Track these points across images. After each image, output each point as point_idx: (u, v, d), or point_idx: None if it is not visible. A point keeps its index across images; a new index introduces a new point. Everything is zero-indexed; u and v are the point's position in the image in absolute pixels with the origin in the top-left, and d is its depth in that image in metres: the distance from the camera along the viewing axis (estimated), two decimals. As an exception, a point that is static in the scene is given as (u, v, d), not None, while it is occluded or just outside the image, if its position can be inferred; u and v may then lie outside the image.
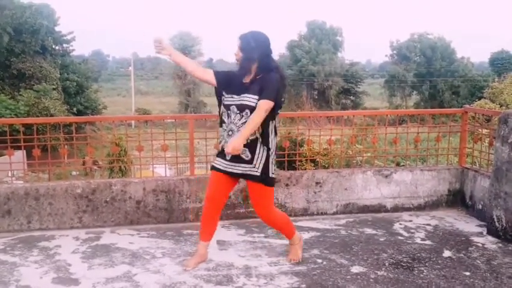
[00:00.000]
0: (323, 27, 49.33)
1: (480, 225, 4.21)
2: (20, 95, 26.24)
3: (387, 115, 6.23)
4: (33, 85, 27.21)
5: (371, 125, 5.99)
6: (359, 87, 50.49)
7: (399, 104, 47.81)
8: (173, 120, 4.76)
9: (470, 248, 3.68)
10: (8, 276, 3.16)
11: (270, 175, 3.12)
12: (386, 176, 4.60)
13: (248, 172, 3.10)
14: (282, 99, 3.13)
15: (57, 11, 34.87)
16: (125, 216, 4.16)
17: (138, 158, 4.47)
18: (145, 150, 4.51)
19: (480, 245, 3.76)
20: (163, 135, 4.30)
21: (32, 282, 3.07)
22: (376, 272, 3.22)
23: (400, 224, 4.28)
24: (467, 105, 5.15)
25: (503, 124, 3.84)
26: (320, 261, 3.40)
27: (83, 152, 5.73)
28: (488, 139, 4.54)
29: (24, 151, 4.34)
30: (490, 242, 3.81)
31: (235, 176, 3.19)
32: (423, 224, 4.26)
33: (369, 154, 6.08)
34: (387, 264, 3.36)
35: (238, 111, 3.06)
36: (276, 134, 3.15)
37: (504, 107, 22.77)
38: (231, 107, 3.09)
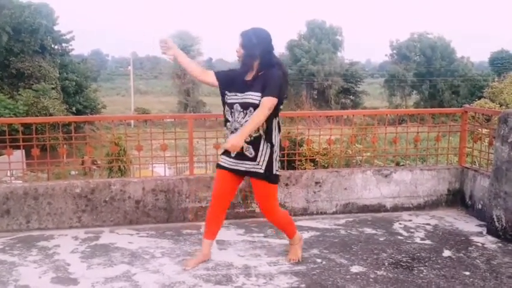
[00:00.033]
0: (323, 27, 49.29)
1: (480, 225, 4.21)
2: (19, 94, 26.18)
3: (387, 115, 6.24)
4: (32, 84, 27.13)
5: (370, 124, 5.98)
6: (359, 87, 50.46)
7: (399, 103, 47.76)
8: (173, 120, 4.74)
9: (469, 248, 3.68)
10: (7, 276, 3.15)
11: (274, 172, 3.12)
12: (386, 176, 4.60)
13: (252, 169, 3.10)
14: (285, 96, 3.12)
15: (57, 10, 34.81)
16: (125, 216, 4.16)
17: (137, 157, 4.46)
18: (144, 150, 4.50)
19: (480, 244, 3.76)
20: (163, 135, 4.30)
21: (31, 282, 3.06)
22: (376, 271, 3.22)
23: (400, 223, 4.27)
24: (467, 105, 5.16)
25: (503, 124, 3.84)
26: (319, 260, 3.40)
27: (82, 151, 5.72)
28: (488, 139, 4.53)
29: (23, 151, 4.33)
30: (489, 242, 3.81)
31: (240, 174, 3.20)
32: (423, 224, 4.26)
33: (368, 154, 6.07)
34: (386, 263, 3.36)
35: (241, 109, 3.05)
36: (279, 130, 3.15)
37: (504, 107, 22.83)
38: (235, 106, 3.08)
